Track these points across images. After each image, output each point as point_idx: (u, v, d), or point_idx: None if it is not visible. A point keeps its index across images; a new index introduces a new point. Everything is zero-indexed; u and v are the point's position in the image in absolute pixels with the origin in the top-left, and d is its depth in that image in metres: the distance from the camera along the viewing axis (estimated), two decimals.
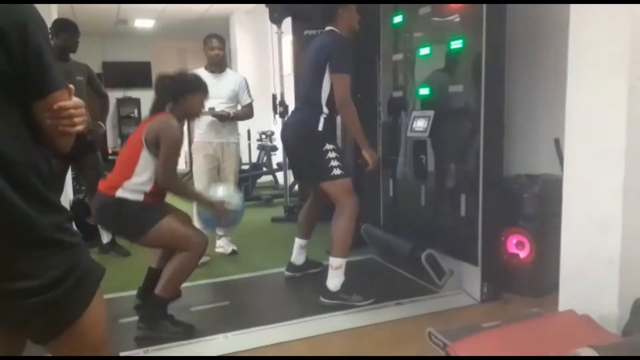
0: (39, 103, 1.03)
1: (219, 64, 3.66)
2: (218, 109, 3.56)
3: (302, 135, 2.76)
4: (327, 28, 2.83)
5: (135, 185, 2.32)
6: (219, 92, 3.56)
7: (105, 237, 3.83)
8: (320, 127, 2.69)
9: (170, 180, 2.39)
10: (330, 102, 2.70)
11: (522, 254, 2.73)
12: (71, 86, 1.09)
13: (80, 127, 1.10)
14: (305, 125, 2.76)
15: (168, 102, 2.48)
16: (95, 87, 3.75)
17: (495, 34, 2.58)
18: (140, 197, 2.33)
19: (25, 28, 0.98)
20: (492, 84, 2.58)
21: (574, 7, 2.06)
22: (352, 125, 2.76)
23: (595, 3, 1.96)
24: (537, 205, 2.67)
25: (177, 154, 2.42)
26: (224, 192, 2.70)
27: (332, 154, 2.67)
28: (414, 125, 2.99)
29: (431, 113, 2.89)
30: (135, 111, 9.43)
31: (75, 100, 1.08)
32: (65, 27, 3.49)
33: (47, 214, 1.05)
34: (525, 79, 3.06)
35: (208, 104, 3.57)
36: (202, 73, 3.63)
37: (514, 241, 2.75)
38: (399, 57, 3.30)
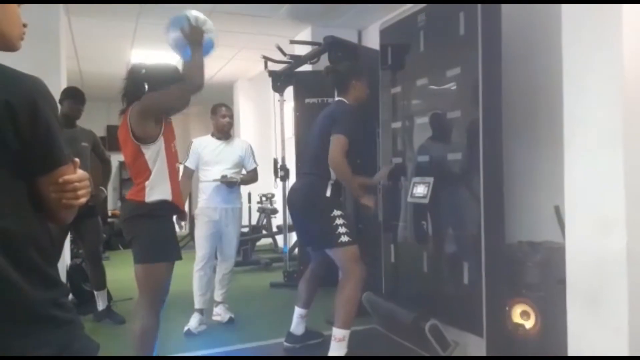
0: (45, 177, 1.03)
1: (226, 132, 3.75)
2: (224, 174, 3.60)
3: (309, 201, 2.77)
4: (337, 98, 2.93)
5: (157, 179, 2.25)
6: (226, 158, 3.63)
7: (101, 304, 3.75)
8: (328, 193, 2.71)
9: (191, 85, 2.26)
10: None
11: (528, 324, 2.65)
12: (77, 160, 1.11)
13: (83, 200, 1.10)
14: (312, 191, 2.78)
15: (142, 94, 2.31)
16: (99, 153, 3.82)
17: (492, 105, 2.65)
18: (168, 194, 2.26)
19: (34, 104, 1.00)
20: (490, 152, 2.62)
21: (566, 76, 2.14)
22: (345, 180, 2.78)
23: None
24: (541, 274, 2.63)
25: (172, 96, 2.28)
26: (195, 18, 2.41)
27: (340, 220, 2.67)
28: (414, 191, 3.00)
29: (431, 179, 2.91)
30: None
31: (80, 173, 1.09)
32: (73, 95, 3.61)
33: (44, 289, 1.03)
34: (524, 146, 3.11)
35: (214, 170, 3.63)
36: (210, 140, 3.72)
37: (519, 311, 2.68)
38: (397, 124, 3.37)
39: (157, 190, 2.25)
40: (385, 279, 3.44)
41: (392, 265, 3.35)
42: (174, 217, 2.45)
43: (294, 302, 3.13)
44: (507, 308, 2.67)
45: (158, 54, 6.16)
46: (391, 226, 3.36)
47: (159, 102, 2.27)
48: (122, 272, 4.46)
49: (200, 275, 3.55)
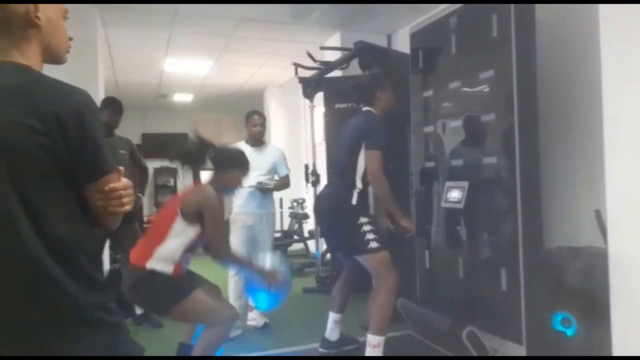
0: (91, 185, 1.08)
1: (259, 139, 3.80)
2: (258, 180, 3.65)
3: (336, 209, 2.79)
4: (365, 109, 2.94)
5: (166, 252, 2.28)
6: (260, 164, 3.68)
7: (139, 308, 3.83)
8: (354, 201, 2.72)
9: (223, 249, 2.41)
10: (365, 177, 2.75)
11: (569, 332, 2.58)
12: (121, 168, 1.15)
13: (128, 207, 1.14)
14: (338, 199, 2.79)
15: (211, 173, 2.51)
16: (136, 160, 3.92)
17: (527, 107, 2.60)
18: (170, 269, 2.29)
19: (82, 117, 1.04)
20: (526, 156, 2.57)
21: (605, 77, 2.08)
22: (385, 198, 2.80)
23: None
24: (582, 280, 2.56)
25: (223, 223, 2.45)
26: (273, 260, 2.64)
27: (367, 227, 2.67)
28: (449, 195, 2.97)
29: (466, 184, 2.87)
30: (172, 180, 9.74)
31: (125, 181, 1.13)
32: (112, 105, 3.73)
33: (92, 293, 1.07)
34: (562, 149, 3.03)
35: (250, 177, 3.68)
36: (244, 146, 3.78)
37: (560, 318, 2.61)
38: (429, 128, 3.34)
39: (163, 262, 2.29)
40: (420, 284, 3.40)
41: (427, 271, 3.32)
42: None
43: (328, 307, 3.14)
44: (547, 315, 2.61)
45: (191, 61, 6.32)
46: (425, 231, 3.33)
47: (212, 230, 2.35)
48: None
49: (235, 280, 3.59)
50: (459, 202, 2.87)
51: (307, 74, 4.92)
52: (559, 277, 2.61)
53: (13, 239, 1.00)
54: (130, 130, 5.53)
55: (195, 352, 2.33)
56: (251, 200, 3.69)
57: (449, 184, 3.02)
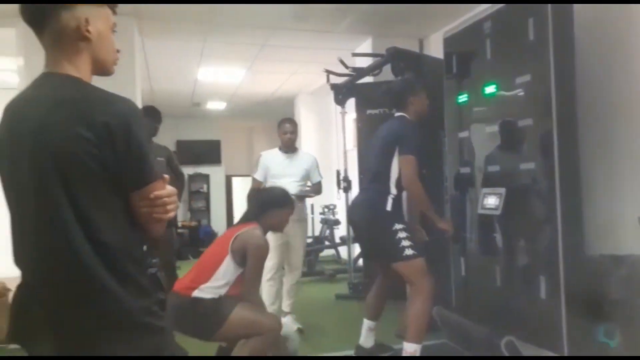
0: (138, 193, 1.11)
1: (291, 146, 3.84)
2: (291, 187, 3.68)
3: (370, 215, 2.78)
4: (397, 114, 2.93)
5: (211, 288, 2.38)
6: (293, 171, 3.72)
7: None
8: (389, 207, 2.71)
9: (253, 296, 2.49)
10: (399, 183, 2.74)
11: (613, 343, 2.49)
12: (166, 176, 1.18)
13: (172, 214, 1.18)
14: (373, 205, 2.79)
15: (258, 213, 2.64)
16: (173, 167, 4.02)
17: (566, 112, 2.54)
18: (216, 296, 2.38)
19: (129, 126, 1.08)
20: (566, 160, 2.51)
21: None
22: (421, 202, 2.79)
23: None
24: (625, 289, 2.47)
25: (262, 268, 2.55)
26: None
27: (402, 234, 2.66)
28: (485, 202, 2.92)
29: (502, 190, 2.82)
30: (205, 186, 9.90)
31: (169, 189, 1.17)
32: (151, 114, 3.84)
33: (139, 298, 1.10)
34: (603, 156, 2.95)
35: (281, 183, 3.73)
36: (277, 153, 3.83)
37: (602, 329, 2.53)
38: (464, 134, 3.30)
39: (209, 293, 2.39)
40: (456, 292, 3.35)
41: (463, 278, 3.27)
42: None
43: (361, 314, 3.13)
44: (589, 325, 2.53)
45: (224, 70, 6.43)
46: (460, 238, 3.28)
47: (250, 274, 2.46)
48: None
49: (269, 285, 3.63)
50: (495, 208, 2.82)
51: (339, 80, 4.94)
52: (601, 285, 2.53)
53: (66, 245, 1.05)
54: (165, 137, 5.67)
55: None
56: None
57: (485, 190, 2.97)
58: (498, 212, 2.81)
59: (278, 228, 2.73)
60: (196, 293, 2.36)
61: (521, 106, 2.79)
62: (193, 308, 2.34)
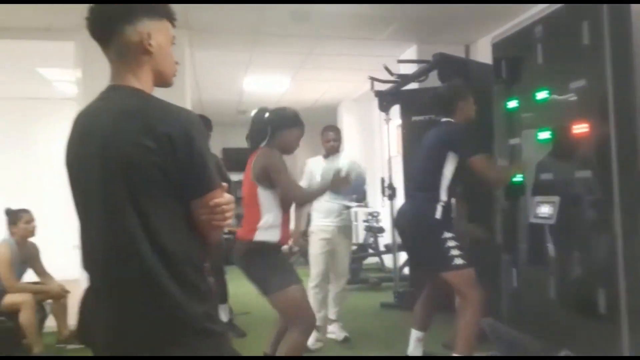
0: (198, 200, 1.15)
1: (335, 153, 3.86)
2: (335, 195, 3.68)
3: (419, 223, 2.75)
4: (444, 119, 2.89)
5: (267, 224, 2.41)
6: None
7: (224, 317, 3.98)
8: (438, 215, 2.67)
9: (300, 196, 2.53)
10: (451, 188, 2.69)
11: None
12: (224, 184, 1.21)
13: (230, 221, 1.20)
14: (421, 213, 2.75)
15: (266, 135, 2.56)
16: (221, 174, 4.10)
17: (624, 117, 2.44)
18: (276, 237, 2.42)
19: (190, 136, 1.12)
20: (625, 168, 2.40)
21: None
22: (506, 178, 2.88)
23: None
24: None
25: (288, 173, 2.50)
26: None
27: (451, 243, 2.61)
28: (538, 210, 2.83)
29: (557, 198, 2.73)
30: None
31: (227, 196, 1.20)
32: (203, 123, 3.94)
33: (198, 303, 1.13)
34: None
35: (332, 196, 3.75)
36: (321, 160, 3.85)
37: None
38: (515, 140, 3.22)
39: (268, 232, 2.42)
40: (507, 304, 3.26)
41: (514, 290, 3.17)
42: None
43: (407, 323, 3.09)
44: None
45: (270, 78, 6.54)
46: (511, 248, 3.19)
47: (282, 183, 2.46)
48: (238, 286, 4.71)
49: (315, 292, 3.64)
50: (549, 217, 2.73)
51: (383, 87, 4.92)
52: None
53: (130, 250, 1.09)
54: (212, 145, 5.78)
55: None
56: (330, 214, 3.73)
57: (537, 198, 2.88)
58: (552, 222, 2.72)
59: (289, 150, 2.63)
60: (257, 236, 2.39)
61: (576, 112, 2.70)
62: (258, 254, 2.40)
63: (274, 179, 2.43)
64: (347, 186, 2.63)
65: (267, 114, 2.61)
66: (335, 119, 8.31)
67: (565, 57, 2.76)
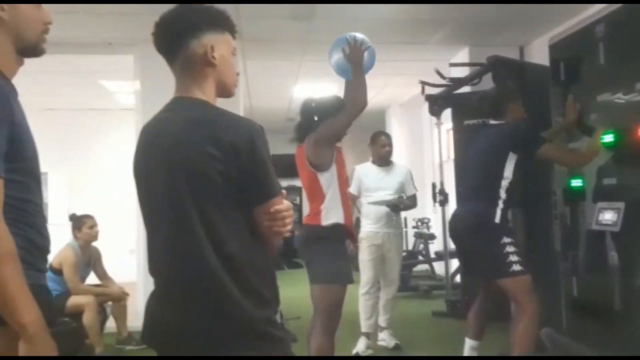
0: (260, 207, 1.18)
1: (387, 159, 3.84)
2: (389, 198, 3.67)
3: (476, 228, 2.68)
4: (495, 122, 2.82)
5: (330, 205, 2.40)
6: (387, 184, 3.71)
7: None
8: (497, 219, 2.60)
9: (358, 101, 2.39)
10: (510, 192, 2.62)
11: None
12: (284, 191, 1.24)
13: (289, 227, 1.22)
14: (478, 217, 2.68)
15: (313, 125, 2.52)
16: None
17: None
18: (340, 218, 2.40)
19: (252, 142, 1.15)
20: None
21: None
22: (585, 160, 2.78)
23: None
24: None
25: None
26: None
27: (510, 248, 2.54)
28: (601, 217, 2.70)
29: (622, 204, 2.60)
30: (298, 199, 10.15)
31: (287, 203, 1.22)
32: None
33: (260, 308, 1.16)
34: None
35: (375, 196, 3.73)
36: (371, 167, 3.85)
37: None
38: (575, 144, 3.09)
39: (332, 214, 2.40)
40: (566, 314, 3.13)
41: (574, 299, 3.03)
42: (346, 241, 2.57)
43: (460, 332, 3.02)
44: None
45: (319, 86, 6.58)
46: (571, 256, 3.06)
47: (329, 131, 2.45)
48: (288, 291, 4.76)
49: (365, 299, 3.63)
50: (613, 224, 2.60)
51: (434, 91, 4.86)
52: None
53: (196, 255, 1.13)
54: None
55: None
56: (379, 220, 3.71)
57: (600, 204, 2.75)
58: (617, 229, 2.59)
59: (337, 137, 2.52)
60: (323, 219, 2.38)
61: None
62: (322, 235, 2.39)
63: (325, 132, 2.40)
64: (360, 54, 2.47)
65: (313, 104, 2.62)
66: (383, 125, 8.28)
67: (630, 56, 2.63)
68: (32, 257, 1.15)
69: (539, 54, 4.27)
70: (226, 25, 1.27)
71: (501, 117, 2.82)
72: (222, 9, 1.28)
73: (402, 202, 3.71)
